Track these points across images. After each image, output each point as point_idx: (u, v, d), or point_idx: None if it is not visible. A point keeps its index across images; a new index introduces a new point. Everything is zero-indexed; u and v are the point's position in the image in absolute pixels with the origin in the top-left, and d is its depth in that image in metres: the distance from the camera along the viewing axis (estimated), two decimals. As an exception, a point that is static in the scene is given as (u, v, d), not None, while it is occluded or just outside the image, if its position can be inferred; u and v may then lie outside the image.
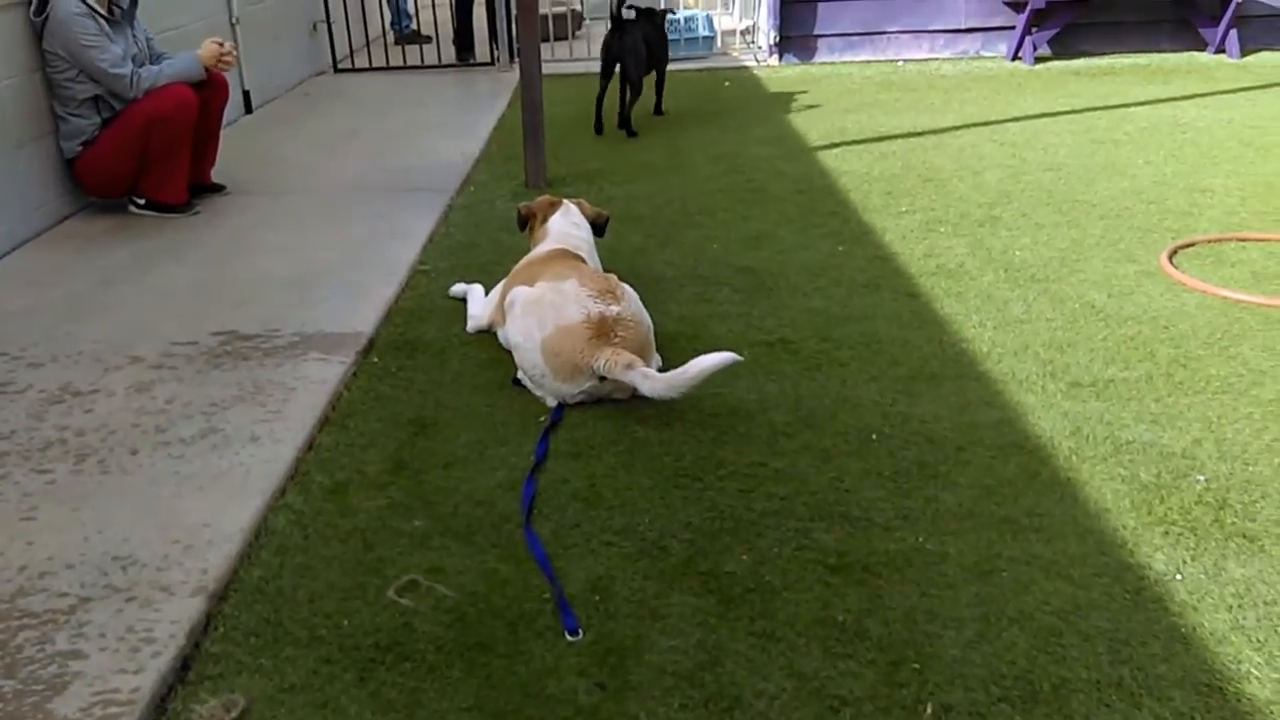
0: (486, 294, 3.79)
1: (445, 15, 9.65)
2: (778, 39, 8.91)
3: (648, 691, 2.05)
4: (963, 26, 8.82)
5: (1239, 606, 2.21)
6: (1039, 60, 8.44)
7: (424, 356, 3.52)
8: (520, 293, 3.33)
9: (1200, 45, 8.54)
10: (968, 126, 6.45)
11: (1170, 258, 4.10)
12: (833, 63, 8.87)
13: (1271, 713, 1.94)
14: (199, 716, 1.99)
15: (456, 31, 9.36)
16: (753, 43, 9.62)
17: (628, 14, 6.58)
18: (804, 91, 7.77)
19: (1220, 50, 8.40)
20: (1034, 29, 8.43)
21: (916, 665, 2.09)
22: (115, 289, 4.10)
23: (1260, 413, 2.97)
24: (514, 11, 8.01)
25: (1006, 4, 8.63)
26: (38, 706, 2.00)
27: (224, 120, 5.44)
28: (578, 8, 10.71)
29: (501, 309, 3.47)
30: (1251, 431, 2.88)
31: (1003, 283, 3.97)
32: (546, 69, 5.80)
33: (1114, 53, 8.59)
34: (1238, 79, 7.52)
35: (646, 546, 2.49)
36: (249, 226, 4.89)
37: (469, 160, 6.00)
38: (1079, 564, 2.36)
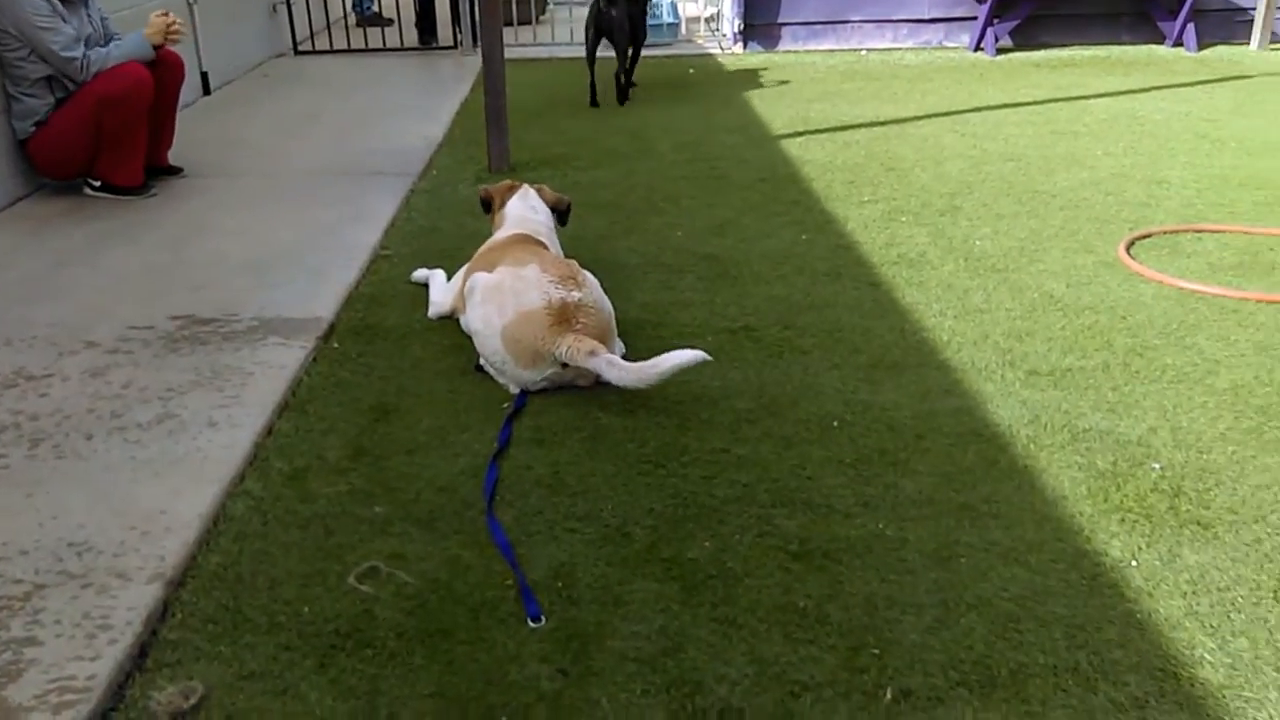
0: (449, 280, 3.77)
1: (408, -2, 9.57)
2: (742, 27, 8.92)
3: (610, 677, 2.05)
4: (926, 17, 8.86)
5: (1193, 592, 2.25)
6: (1001, 51, 8.51)
7: (385, 342, 3.49)
8: (480, 279, 3.31)
9: (1159, 38, 8.64)
10: (930, 116, 6.49)
11: (1128, 248, 4.15)
12: (797, 51, 8.89)
13: (1224, 697, 1.97)
14: (157, 704, 1.97)
15: (419, 14, 9.28)
16: (717, 30, 9.62)
17: None
18: (768, 80, 7.78)
19: (1178, 43, 8.50)
20: (996, 20, 8.49)
21: (876, 650, 2.10)
22: (70, 272, 4.04)
23: (1214, 401, 3.02)
24: (477, -5, 7.94)
25: (969, -5, 8.69)
26: (-10, 695, 1.97)
27: (181, 101, 5.37)
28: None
29: (463, 295, 3.44)
30: (1206, 420, 2.92)
31: (963, 272, 4.00)
32: (510, 53, 5.76)
33: (1075, 44, 8.67)
34: (1195, 72, 7.62)
35: (609, 533, 2.49)
36: (207, 209, 4.82)
37: (431, 144, 5.96)
38: (1036, 550, 2.39)
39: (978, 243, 4.31)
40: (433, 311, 3.67)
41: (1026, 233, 4.41)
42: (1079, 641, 2.11)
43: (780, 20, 8.92)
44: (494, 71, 5.42)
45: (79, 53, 4.63)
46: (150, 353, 3.34)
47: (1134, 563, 2.35)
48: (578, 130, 6.38)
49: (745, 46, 8.94)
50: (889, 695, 2.00)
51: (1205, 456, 2.75)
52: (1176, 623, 2.16)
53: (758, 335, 3.50)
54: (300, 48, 9.07)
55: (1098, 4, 8.68)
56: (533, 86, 7.45)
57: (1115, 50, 8.50)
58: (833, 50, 8.87)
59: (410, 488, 2.67)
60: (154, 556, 2.35)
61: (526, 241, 3.56)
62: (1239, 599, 2.23)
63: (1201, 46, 8.41)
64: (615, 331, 3.29)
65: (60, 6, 4.62)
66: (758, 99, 7.14)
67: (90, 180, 4.91)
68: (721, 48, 9.07)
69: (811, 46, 8.96)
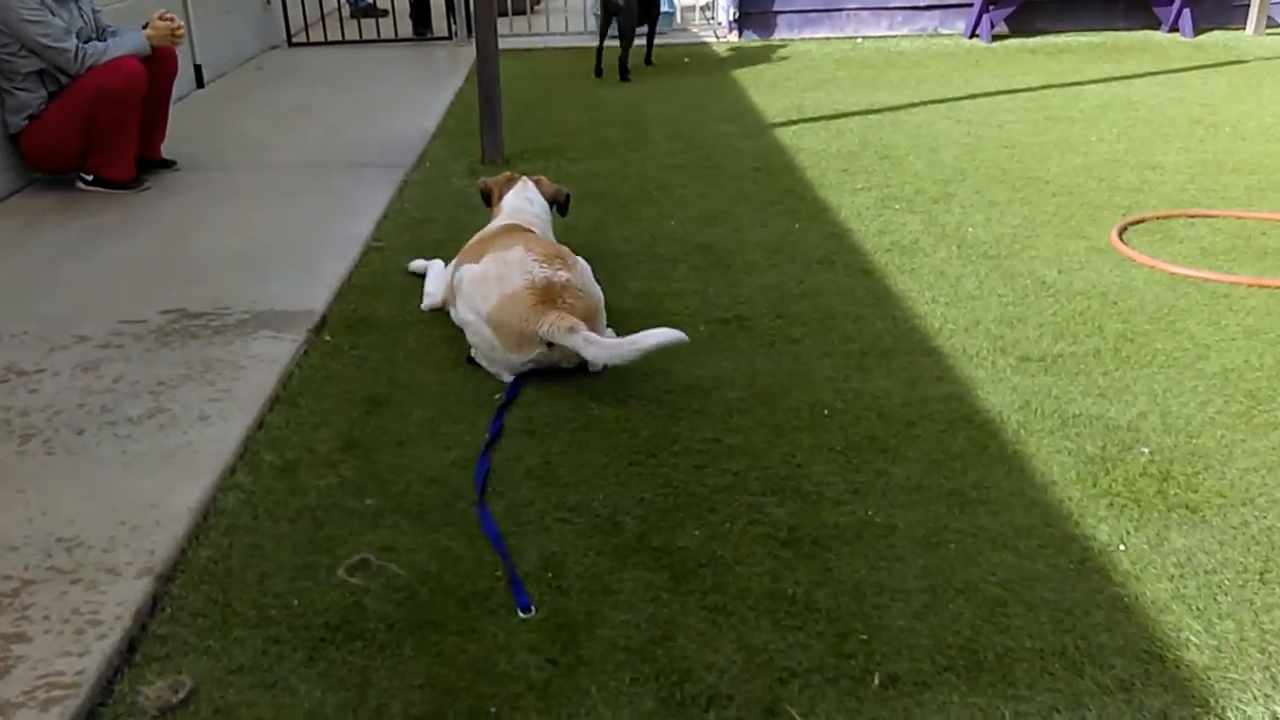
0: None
1: (402, -11, 9.55)
2: (737, 15, 8.90)
3: (599, 666, 2.05)
4: (921, 4, 8.84)
5: (1180, 576, 2.25)
6: (996, 38, 8.49)
7: (377, 334, 3.49)
8: (467, 270, 3.31)
9: (1155, 24, 8.63)
10: (925, 104, 6.48)
11: (1120, 234, 4.15)
12: (792, 39, 8.87)
13: (1209, 679, 1.98)
14: (145, 699, 1.97)
15: (413, 5, 9.26)
16: (712, 18, 9.60)
17: None
18: (763, 68, 7.77)
19: (1174, 29, 8.49)
20: (991, 7, 8.47)
21: (864, 636, 2.11)
22: (62, 266, 4.04)
23: (1204, 386, 3.02)
24: (471, -14, 7.93)
25: (964, -19, 8.67)
26: (-20, 689, 1.97)
27: (175, 94, 5.36)
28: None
29: (452, 287, 3.45)
30: (1195, 405, 2.92)
31: (955, 259, 4.00)
32: (504, 44, 5.76)
33: (1070, 31, 8.65)
34: (1190, 58, 7.60)
35: (600, 523, 2.49)
36: (199, 203, 4.82)
37: (425, 136, 5.95)
38: (1025, 535, 2.39)
39: (970, 230, 4.30)
40: (426, 303, 3.67)
41: (1019, 219, 4.41)
42: (1066, 625, 2.12)
43: (775, 8, 8.91)
44: (488, 62, 5.41)
45: (70, 44, 4.62)
46: (141, 347, 3.34)
47: (1122, 546, 2.35)
48: (572, 120, 6.37)
49: (740, 34, 8.92)
50: (876, 681, 2.00)
51: (1194, 441, 2.75)
52: (1163, 606, 2.17)
53: (750, 324, 3.50)
54: (294, 40, 9.06)
55: (1093, -11, 8.67)
56: (527, 77, 7.44)
57: (1111, 36, 8.49)
58: (828, 38, 8.86)
59: (401, 480, 2.67)
60: (144, 551, 2.35)
61: (515, 230, 3.56)
62: (1225, 582, 2.23)
63: (1197, 32, 8.40)
64: (604, 317, 3.29)
65: (49, 0, 4.61)
66: (752, 87, 7.13)
67: (83, 174, 4.90)
68: (716, 36, 9.05)
69: (807, 34, 8.95)
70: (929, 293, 3.71)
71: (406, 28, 9.26)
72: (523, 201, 3.80)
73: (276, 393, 3.08)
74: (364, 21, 9.43)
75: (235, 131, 6.14)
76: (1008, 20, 8.61)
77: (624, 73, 7.47)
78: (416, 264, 3.96)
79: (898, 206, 4.61)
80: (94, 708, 1.97)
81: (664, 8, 9.26)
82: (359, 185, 5.03)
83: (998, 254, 4.03)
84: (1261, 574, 2.25)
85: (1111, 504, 2.50)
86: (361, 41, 9.04)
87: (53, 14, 4.62)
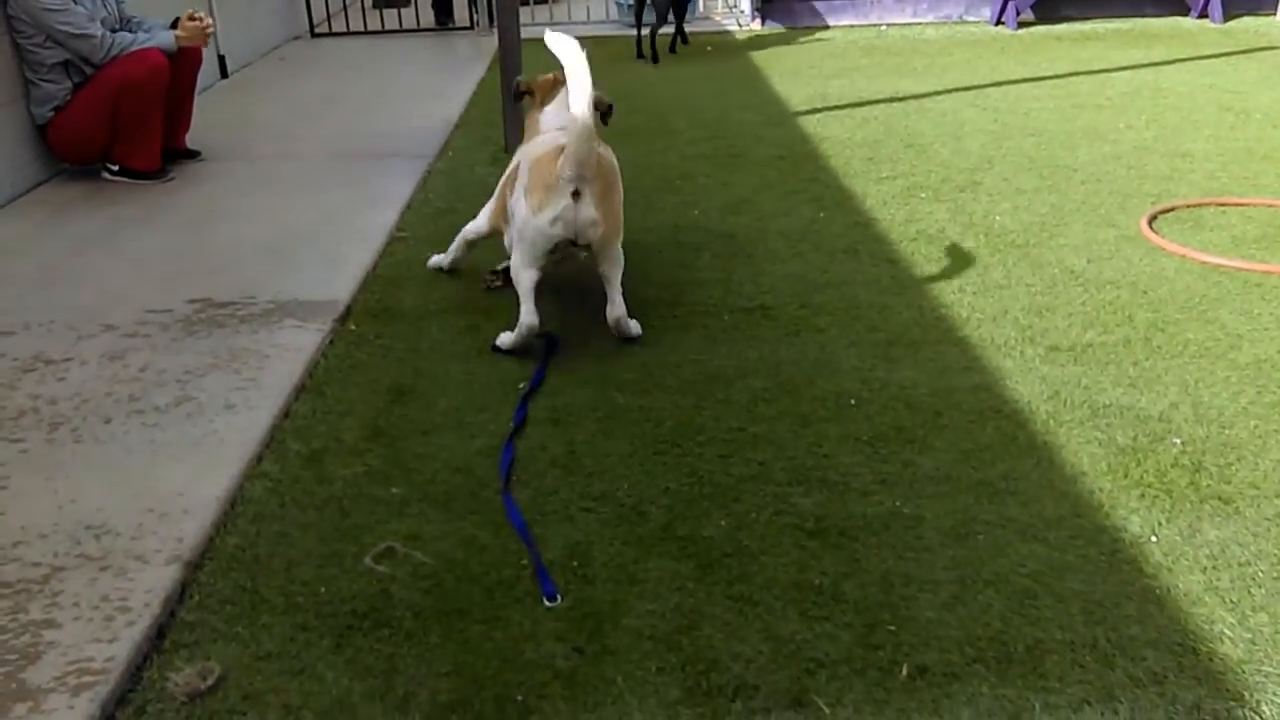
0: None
1: (424, -21, 9.55)
2: (760, 3, 8.85)
3: (625, 655, 2.05)
4: (946, -9, 8.78)
5: (1213, 568, 2.23)
6: (1022, 25, 8.42)
7: (402, 324, 3.49)
8: (517, 190, 3.28)
9: (1183, 10, 8.53)
10: (950, 91, 6.43)
11: (1150, 222, 4.10)
12: (815, 27, 8.82)
13: (1243, 672, 1.95)
14: (174, 685, 1.98)
15: (435, -5, 9.27)
16: (735, 6, 9.55)
17: None
18: (785, 56, 7.73)
19: (1203, 15, 8.39)
20: (1017, -7, 8.39)
21: (892, 627, 2.09)
22: (88, 256, 4.06)
23: (1236, 376, 2.98)
24: (493, -25, 7.92)
25: (989, -32, 8.59)
26: (11, 676, 1.98)
27: (199, 85, 5.38)
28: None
29: (504, 211, 3.43)
30: (1228, 395, 2.89)
31: (983, 248, 3.96)
32: (527, 33, 5.73)
33: (1097, 17, 8.57)
34: (1220, 44, 7.51)
35: (625, 512, 2.48)
36: (224, 193, 4.84)
37: (448, 125, 5.95)
38: (1055, 527, 2.37)
39: (998, 218, 4.26)
40: (471, 228, 3.66)
41: (1047, 208, 4.36)
42: (1097, 617, 2.10)
43: (798, -4, 8.86)
44: (510, 51, 5.40)
45: (95, 30, 4.64)
46: (168, 336, 3.36)
47: (1153, 538, 2.32)
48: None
49: (763, 23, 8.88)
50: (905, 672, 1.99)
51: (1227, 431, 2.72)
52: (1196, 598, 2.14)
53: (774, 314, 3.49)
54: (317, 30, 9.08)
55: (1121, -25, 8.58)
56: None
57: (1139, 23, 8.40)
58: (852, 26, 8.80)
59: (426, 468, 2.67)
60: (172, 539, 2.36)
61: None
62: (1260, 574, 2.20)
63: (1227, 17, 8.29)
64: (618, 202, 3.31)
65: (73, -11, 4.63)
66: (775, 76, 7.09)
67: (108, 165, 4.93)
68: (739, 24, 9.01)
69: (830, 22, 8.89)
70: (956, 282, 3.68)
71: (428, 17, 9.27)
72: (562, 122, 3.44)
73: (302, 382, 3.09)
74: (386, 11, 9.44)
75: (259, 122, 6.16)
76: (1033, 7, 8.53)
77: (654, 55, 7.63)
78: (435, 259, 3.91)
79: (923, 195, 4.58)
80: (124, 694, 1.98)
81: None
82: (382, 175, 5.03)
83: (1025, 243, 4.00)
84: (1296, 566, 2.22)
85: (1143, 495, 2.47)
86: (384, 31, 9.05)
87: (75, 2, 4.63)
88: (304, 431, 2.85)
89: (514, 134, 5.45)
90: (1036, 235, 4.07)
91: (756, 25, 8.86)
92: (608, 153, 3.36)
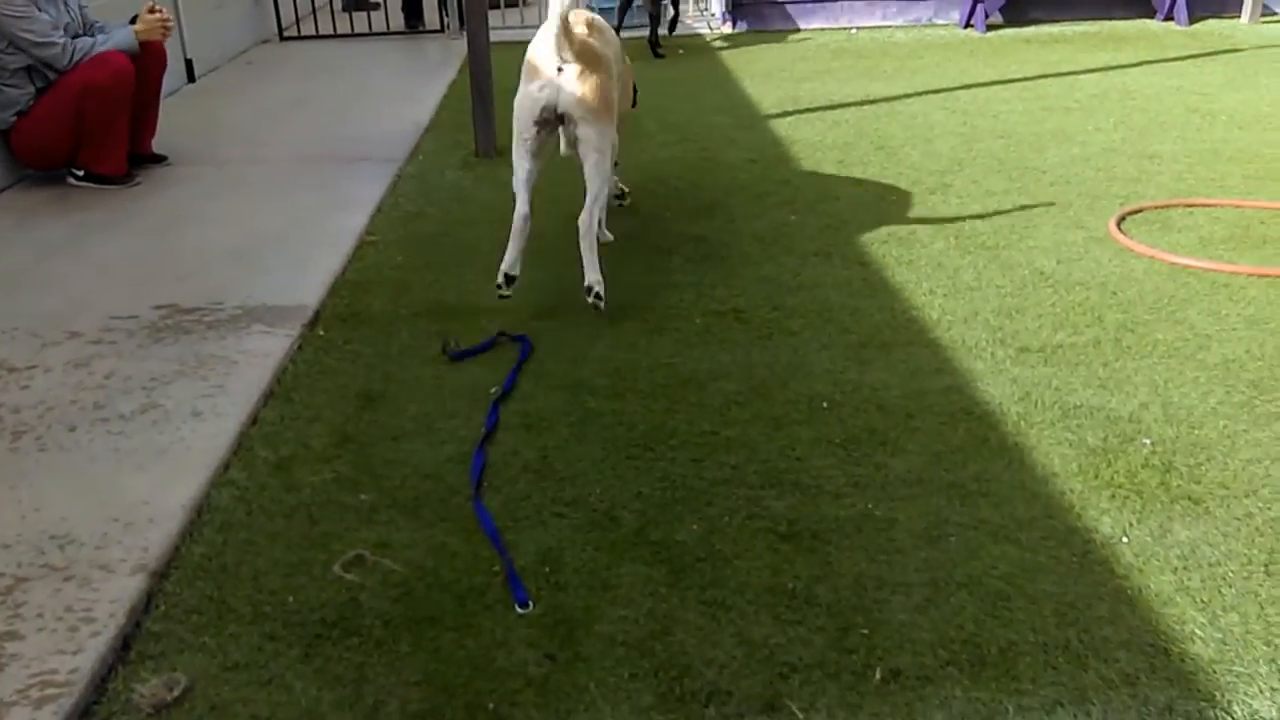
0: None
1: (394, -18, 9.49)
2: (731, 5, 8.85)
3: (598, 662, 2.03)
4: (915, -6, 8.82)
5: (1184, 568, 2.24)
6: (991, 28, 8.46)
7: (371, 329, 3.46)
8: None
9: (1150, 13, 8.60)
10: (920, 94, 6.45)
11: (1118, 224, 4.13)
12: (786, 30, 8.83)
13: (1215, 672, 1.96)
14: (140, 696, 1.95)
15: (405, -2, 9.22)
16: (705, 9, 9.55)
17: None
18: (757, 59, 7.74)
19: (1169, 18, 8.46)
20: (985, -4, 8.44)
21: (865, 631, 2.09)
22: (53, 263, 4.00)
23: (1205, 376, 3.00)
24: (463, -22, 7.90)
25: (958, -29, 8.64)
26: (-28, 690, 1.95)
27: (165, 89, 5.33)
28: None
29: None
30: (1197, 395, 2.91)
31: (953, 250, 3.98)
32: (497, 36, 5.71)
33: (1065, 20, 8.62)
34: (1186, 46, 7.58)
35: (597, 517, 2.47)
36: (191, 197, 4.79)
37: (418, 129, 5.91)
38: (1026, 528, 2.38)
39: (968, 220, 4.28)
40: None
41: (1016, 209, 4.38)
42: (1069, 619, 2.10)
43: (769, -1, 8.87)
44: (479, 54, 5.38)
45: (58, 39, 4.58)
46: (134, 343, 3.31)
47: (1125, 539, 2.33)
48: (566, 113, 6.32)
49: (734, 25, 8.88)
50: (878, 675, 1.98)
51: (1196, 431, 2.73)
52: (1167, 598, 2.15)
53: (746, 316, 3.48)
54: (286, 34, 9.01)
55: (1088, -21, 8.64)
56: (519, 69, 7.38)
57: (1106, 25, 8.46)
58: (822, 29, 8.82)
59: (396, 475, 2.65)
60: (137, 548, 2.32)
61: None
62: (1230, 574, 2.21)
63: (1193, 20, 8.37)
64: (611, 74, 3.57)
65: (36, -4, 4.57)
66: (747, 79, 7.10)
67: (74, 170, 4.87)
68: (710, 27, 9.01)
69: (801, 25, 8.91)
70: (927, 284, 3.68)
71: (398, 20, 9.21)
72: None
73: (270, 388, 3.06)
74: (355, 15, 9.38)
75: (227, 126, 6.11)
76: (1002, 10, 8.57)
77: (654, 50, 7.88)
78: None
79: (894, 197, 4.59)
80: (88, 706, 1.94)
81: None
82: (352, 179, 5.00)
83: (995, 244, 4.01)
84: (1266, 566, 2.23)
85: (1114, 496, 2.48)
86: (353, 35, 8.99)
87: (39, 9, 4.58)
88: (272, 438, 2.82)
89: (484, 137, 5.44)
90: (1006, 237, 4.08)
91: (727, 28, 8.86)
92: (596, 41, 3.58)
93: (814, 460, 2.66)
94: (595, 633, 2.10)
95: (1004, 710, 1.89)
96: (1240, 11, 8.51)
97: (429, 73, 7.54)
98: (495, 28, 5.77)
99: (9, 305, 3.62)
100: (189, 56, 7.15)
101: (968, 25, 8.53)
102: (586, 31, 3.59)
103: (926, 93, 6.47)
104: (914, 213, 4.39)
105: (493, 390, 3.03)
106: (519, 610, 2.17)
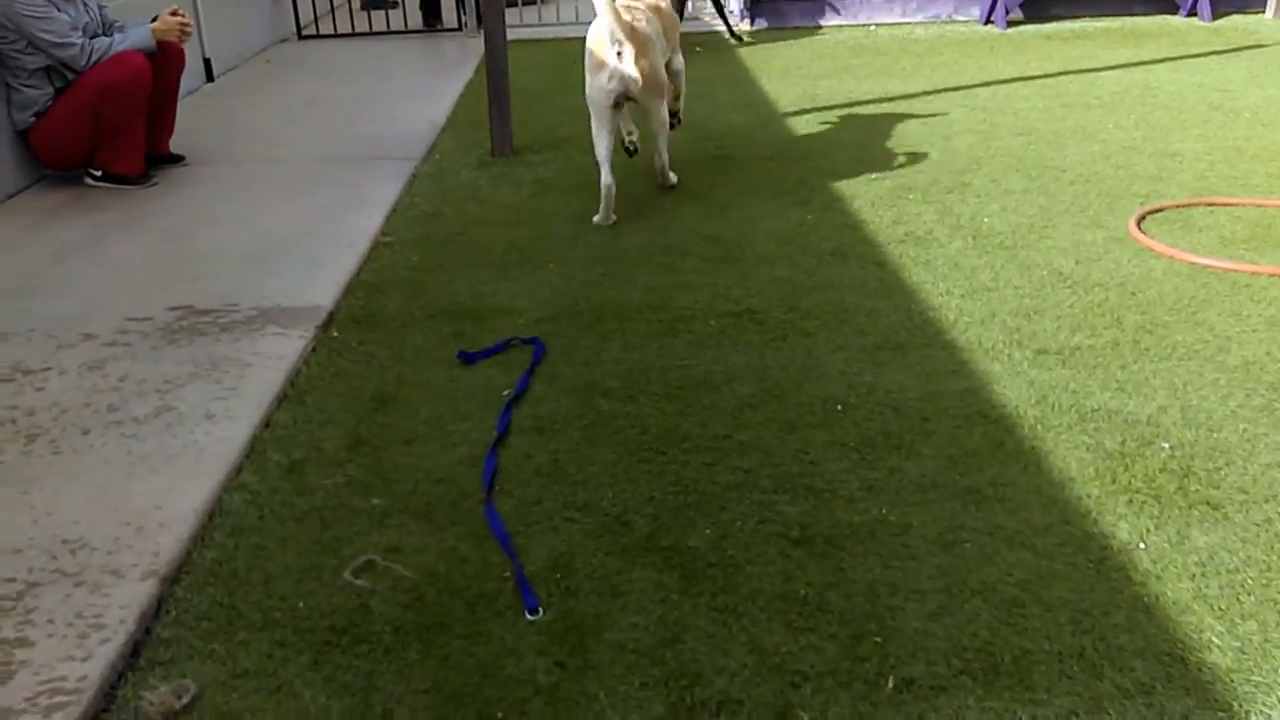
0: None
1: (411, -20, 9.51)
2: (749, 3, 8.82)
3: (608, 670, 2.02)
4: (935, -10, 8.76)
5: (1202, 575, 2.20)
6: (1011, 24, 8.40)
7: (385, 330, 3.46)
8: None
9: (1172, 8, 8.51)
10: (939, 91, 6.40)
11: (1139, 223, 4.08)
12: (804, 27, 8.79)
13: (1232, 681, 1.93)
14: (149, 704, 1.95)
15: (423, -3, 9.22)
16: (724, 6, 9.51)
17: None
18: (774, 56, 7.70)
19: (1192, 13, 8.37)
20: (1006, -8, 8.38)
21: (879, 638, 2.07)
22: (69, 264, 4.02)
23: (1225, 379, 2.96)
24: (480, -24, 7.89)
25: (978, -34, 8.57)
26: (-18, 696, 1.95)
27: (184, 89, 5.35)
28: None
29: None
30: (1217, 398, 2.87)
31: (971, 250, 3.94)
32: (514, 34, 5.71)
33: (1086, 16, 8.55)
34: (1209, 42, 7.50)
35: (609, 522, 2.45)
36: (208, 198, 4.80)
37: (435, 128, 5.91)
38: (1043, 534, 2.35)
39: (986, 219, 4.24)
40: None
41: (1036, 209, 4.34)
42: (1085, 627, 2.07)
43: (787, -4, 8.83)
44: (496, 53, 5.36)
45: (76, 40, 4.60)
46: (148, 345, 3.32)
47: (1142, 545, 2.30)
48: (582, 111, 6.29)
49: (752, 22, 8.85)
50: (891, 684, 1.96)
51: (1215, 435, 2.70)
52: (1185, 606, 2.12)
53: (761, 318, 3.46)
54: (304, 32, 9.03)
55: (1109, -27, 8.56)
56: (537, 68, 7.39)
57: (1128, 21, 8.38)
58: (841, 26, 8.78)
59: (408, 479, 2.64)
60: (148, 553, 2.33)
61: None
62: (1249, 581, 2.18)
63: (1216, 16, 8.28)
64: (659, 59, 4.34)
65: (55, -4, 4.59)
66: (764, 76, 7.07)
67: (91, 170, 4.89)
68: (730, 26, 8.96)
69: (820, 22, 8.87)
70: (944, 284, 3.65)
71: (416, 19, 9.23)
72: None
73: (284, 390, 3.06)
74: (374, 13, 9.40)
75: (244, 125, 6.12)
76: (1022, 6, 8.51)
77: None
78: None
79: (912, 196, 4.55)
80: (97, 713, 1.95)
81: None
82: (368, 178, 5.00)
83: (1014, 244, 3.97)
84: (1286, 573, 2.20)
85: (1131, 501, 2.45)
86: (371, 33, 9.01)
87: (58, 10, 4.60)
88: (284, 441, 2.82)
89: (500, 136, 5.43)
90: (1025, 237, 4.04)
91: (745, 25, 8.82)
92: (643, 24, 4.26)
93: (828, 464, 2.64)
94: (605, 640, 2.09)
95: (1018, 721, 1.87)
96: (1264, 7, 8.41)
97: (446, 71, 7.54)
98: (513, 26, 5.77)
99: (26, 307, 3.63)
100: (207, 56, 7.18)
101: (988, 21, 8.47)
102: (631, 17, 4.22)
103: (945, 90, 6.43)
104: (931, 212, 4.35)
105: (505, 393, 3.02)
106: (529, 617, 2.16)
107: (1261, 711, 1.87)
